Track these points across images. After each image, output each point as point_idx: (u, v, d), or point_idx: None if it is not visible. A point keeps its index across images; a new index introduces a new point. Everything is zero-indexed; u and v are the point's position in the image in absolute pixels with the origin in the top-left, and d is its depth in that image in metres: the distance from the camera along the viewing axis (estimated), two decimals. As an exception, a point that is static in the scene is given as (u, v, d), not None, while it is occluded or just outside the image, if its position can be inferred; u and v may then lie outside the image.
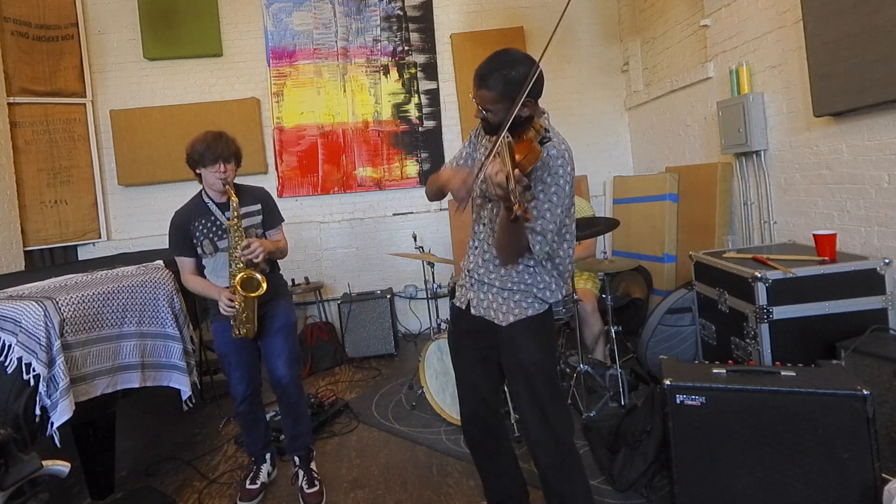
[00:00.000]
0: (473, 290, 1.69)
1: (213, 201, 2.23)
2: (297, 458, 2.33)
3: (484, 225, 1.67)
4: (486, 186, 1.55)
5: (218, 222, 2.21)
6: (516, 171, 1.26)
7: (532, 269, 1.60)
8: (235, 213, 2.13)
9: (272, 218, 2.34)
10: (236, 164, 2.22)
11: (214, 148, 2.12)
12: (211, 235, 2.21)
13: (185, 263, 2.27)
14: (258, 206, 2.29)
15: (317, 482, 2.30)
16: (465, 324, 1.73)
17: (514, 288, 1.61)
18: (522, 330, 1.61)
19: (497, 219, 1.56)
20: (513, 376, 1.66)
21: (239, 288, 2.10)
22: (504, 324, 1.61)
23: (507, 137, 1.38)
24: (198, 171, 2.19)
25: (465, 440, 1.84)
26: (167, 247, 2.32)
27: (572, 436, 1.66)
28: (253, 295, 2.12)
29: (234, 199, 2.13)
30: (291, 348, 2.28)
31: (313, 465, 2.38)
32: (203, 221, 2.22)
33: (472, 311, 1.69)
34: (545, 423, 1.59)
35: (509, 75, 1.42)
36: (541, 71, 1.43)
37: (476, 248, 1.70)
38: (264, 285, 2.13)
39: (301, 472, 2.31)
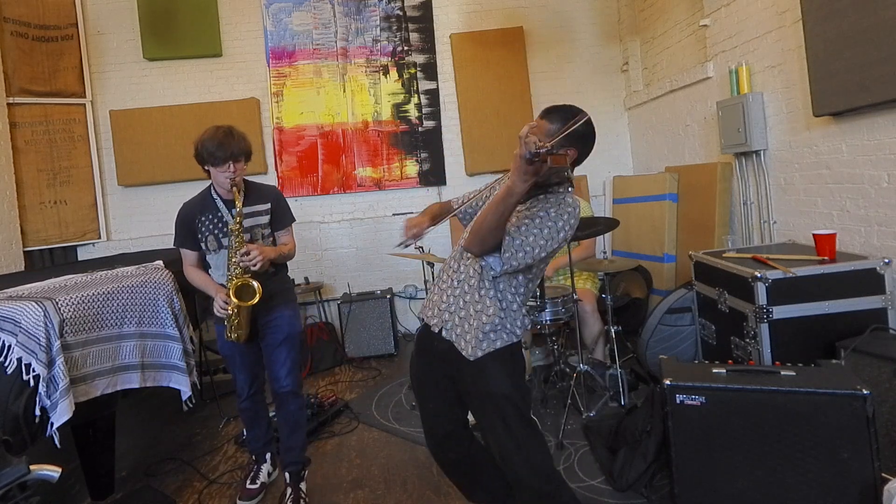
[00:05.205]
0: (449, 312, 1.63)
1: (221, 197, 2.19)
2: (287, 476, 2.27)
3: (464, 269, 1.63)
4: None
5: (224, 219, 2.17)
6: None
7: (504, 309, 1.58)
8: (238, 218, 2.09)
9: (281, 218, 2.30)
10: (245, 161, 2.16)
11: (225, 147, 2.06)
12: (216, 232, 2.18)
13: (188, 255, 2.25)
14: (267, 206, 2.24)
15: (303, 503, 2.24)
16: (433, 350, 1.67)
17: (487, 326, 1.56)
18: (492, 360, 1.57)
19: (476, 266, 1.58)
20: (483, 408, 1.61)
21: (233, 296, 2.06)
22: (472, 357, 1.57)
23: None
24: (206, 168, 2.14)
25: (436, 463, 1.83)
26: (171, 244, 2.30)
27: (551, 461, 1.63)
28: (246, 304, 2.08)
29: (239, 203, 2.08)
30: (294, 359, 2.27)
31: (303, 486, 2.30)
32: (210, 216, 2.18)
33: (444, 333, 1.63)
34: (523, 456, 1.56)
35: (569, 118, 1.48)
36: (593, 129, 1.55)
37: (455, 286, 1.64)
38: (258, 296, 2.08)
39: (289, 490, 2.25)
